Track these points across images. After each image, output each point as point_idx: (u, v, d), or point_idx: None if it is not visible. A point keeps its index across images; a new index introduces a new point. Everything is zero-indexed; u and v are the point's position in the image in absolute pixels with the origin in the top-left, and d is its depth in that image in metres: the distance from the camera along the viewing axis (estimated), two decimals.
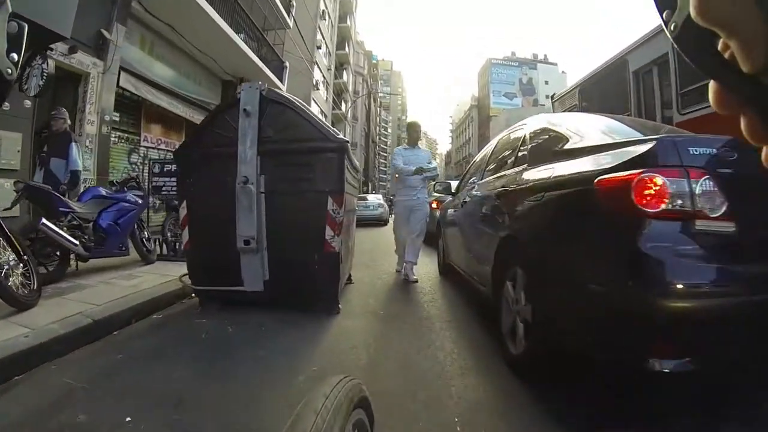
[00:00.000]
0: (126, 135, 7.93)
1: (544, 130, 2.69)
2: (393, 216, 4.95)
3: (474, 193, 3.51)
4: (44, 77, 5.11)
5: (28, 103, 5.23)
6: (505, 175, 2.88)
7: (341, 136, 3.30)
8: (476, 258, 3.24)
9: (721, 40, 0.22)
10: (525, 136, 2.89)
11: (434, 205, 8.69)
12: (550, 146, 2.44)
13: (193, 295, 3.59)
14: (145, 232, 5.01)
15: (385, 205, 17.14)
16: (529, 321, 2.06)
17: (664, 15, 0.24)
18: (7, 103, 5.01)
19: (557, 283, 1.89)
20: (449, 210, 4.63)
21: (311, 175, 3.18)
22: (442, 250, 5.06)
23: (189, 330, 2.92)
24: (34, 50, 5.07)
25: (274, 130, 3.28)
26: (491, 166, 3.45)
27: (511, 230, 2.43)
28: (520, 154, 2.86)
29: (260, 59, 10.90)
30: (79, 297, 3.33)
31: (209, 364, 2.29)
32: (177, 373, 2.16)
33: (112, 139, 7.17)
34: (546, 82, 65.37)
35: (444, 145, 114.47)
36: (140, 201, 4.70)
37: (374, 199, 17.37)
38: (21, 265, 3.00)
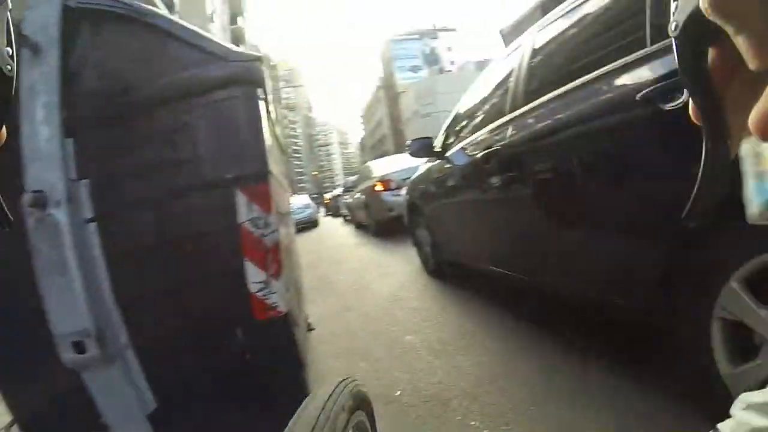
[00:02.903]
0: None
1: None
2: None
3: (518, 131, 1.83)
4: None
5: None
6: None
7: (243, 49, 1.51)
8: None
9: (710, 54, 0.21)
10: None
11: (380, 187, 6.69)
12: None
13: None
14: None
15: (313, 204, 15.90)
16: None
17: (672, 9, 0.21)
18: None
19: None
20: (436, 179, 2.96)
21: (191, 147, 1.42)
22: (430, 244, 3.47)
23: None
24: None
25: (100, 73, 1.46)
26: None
27: None
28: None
29: None
30: None
31: None
32: None
33: None
34: (449, 49, 65.91)
35: (357, 133, 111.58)
36: None
37: (298, 200, 15.27)
38: None
